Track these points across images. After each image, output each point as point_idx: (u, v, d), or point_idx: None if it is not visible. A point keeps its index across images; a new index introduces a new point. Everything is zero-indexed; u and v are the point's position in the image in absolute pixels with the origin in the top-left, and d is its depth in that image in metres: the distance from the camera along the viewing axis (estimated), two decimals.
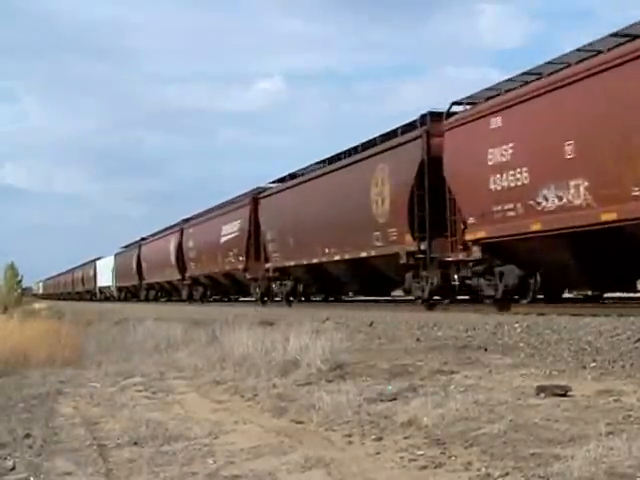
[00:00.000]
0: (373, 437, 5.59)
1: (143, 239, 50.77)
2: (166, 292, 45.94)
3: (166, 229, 45.06)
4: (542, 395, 6.44)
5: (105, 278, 63.23)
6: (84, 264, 78.06)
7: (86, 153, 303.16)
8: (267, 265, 27.48)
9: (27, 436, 6.44)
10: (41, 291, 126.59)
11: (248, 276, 29.62)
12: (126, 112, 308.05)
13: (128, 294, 56.28)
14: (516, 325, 11.45)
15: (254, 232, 28.92)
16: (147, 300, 47.85)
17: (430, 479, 4.50)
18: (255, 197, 29.38)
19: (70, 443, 6.25)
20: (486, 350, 9.97)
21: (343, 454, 5.23)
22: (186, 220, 40.28)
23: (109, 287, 62.26)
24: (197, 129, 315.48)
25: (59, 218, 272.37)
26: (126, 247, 58.60)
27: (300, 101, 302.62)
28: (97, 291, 67.64)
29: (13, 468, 5.45)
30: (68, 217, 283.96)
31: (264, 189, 29.48)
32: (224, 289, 35.68)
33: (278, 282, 27.16)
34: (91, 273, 70.68)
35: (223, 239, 32.41)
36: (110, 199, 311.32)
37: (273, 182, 29.02)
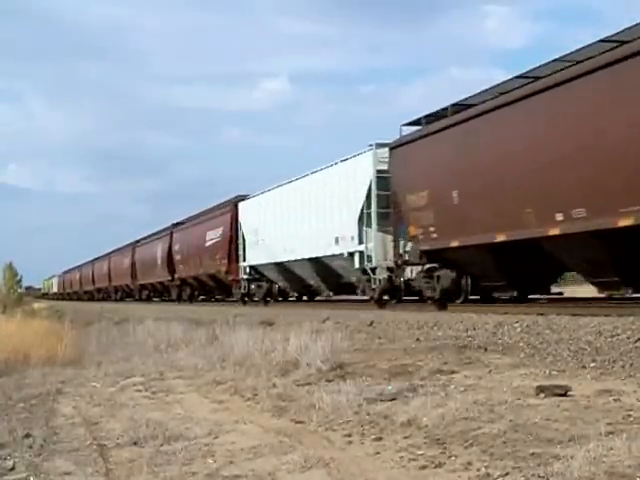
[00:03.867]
0: (373, 437, 5.60)
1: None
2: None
3: None
4: (542, 395, 6.44)
5: (295, 242, 24.63)
6: (179, 223, 39.12)
7: (88, 153, 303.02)
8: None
9: (27, 436, 6.44)
10: (55, 289, 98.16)
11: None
12: (128, 112, 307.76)
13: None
14: (516, 325, 11.45)
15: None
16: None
17: (430, 479, 4.51)
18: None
19: (70, 443, 6.25)
20: (486, 350, 9.97)
21: (343, 454, 5.23)
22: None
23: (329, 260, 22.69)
24: (200, 129, 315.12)
25: (61, 218, 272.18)
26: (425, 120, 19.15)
27: (305, 102, 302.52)
28: (242, 277, 29.45)
29: (13, 468, 5.45)
30: (70, 217, 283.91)
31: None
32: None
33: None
34: (213, 237, 31.99)
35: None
36: (112, 199, 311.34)
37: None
